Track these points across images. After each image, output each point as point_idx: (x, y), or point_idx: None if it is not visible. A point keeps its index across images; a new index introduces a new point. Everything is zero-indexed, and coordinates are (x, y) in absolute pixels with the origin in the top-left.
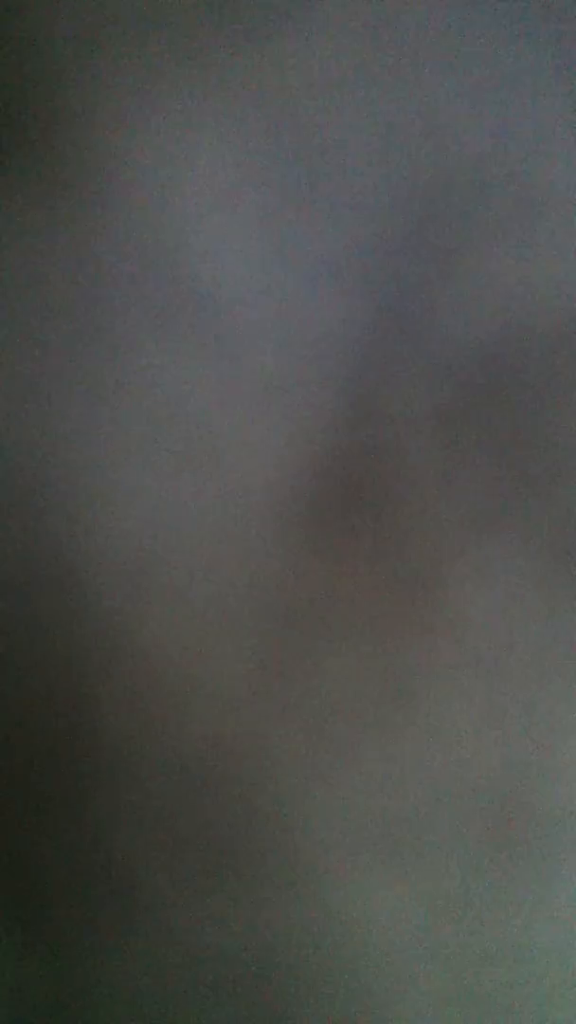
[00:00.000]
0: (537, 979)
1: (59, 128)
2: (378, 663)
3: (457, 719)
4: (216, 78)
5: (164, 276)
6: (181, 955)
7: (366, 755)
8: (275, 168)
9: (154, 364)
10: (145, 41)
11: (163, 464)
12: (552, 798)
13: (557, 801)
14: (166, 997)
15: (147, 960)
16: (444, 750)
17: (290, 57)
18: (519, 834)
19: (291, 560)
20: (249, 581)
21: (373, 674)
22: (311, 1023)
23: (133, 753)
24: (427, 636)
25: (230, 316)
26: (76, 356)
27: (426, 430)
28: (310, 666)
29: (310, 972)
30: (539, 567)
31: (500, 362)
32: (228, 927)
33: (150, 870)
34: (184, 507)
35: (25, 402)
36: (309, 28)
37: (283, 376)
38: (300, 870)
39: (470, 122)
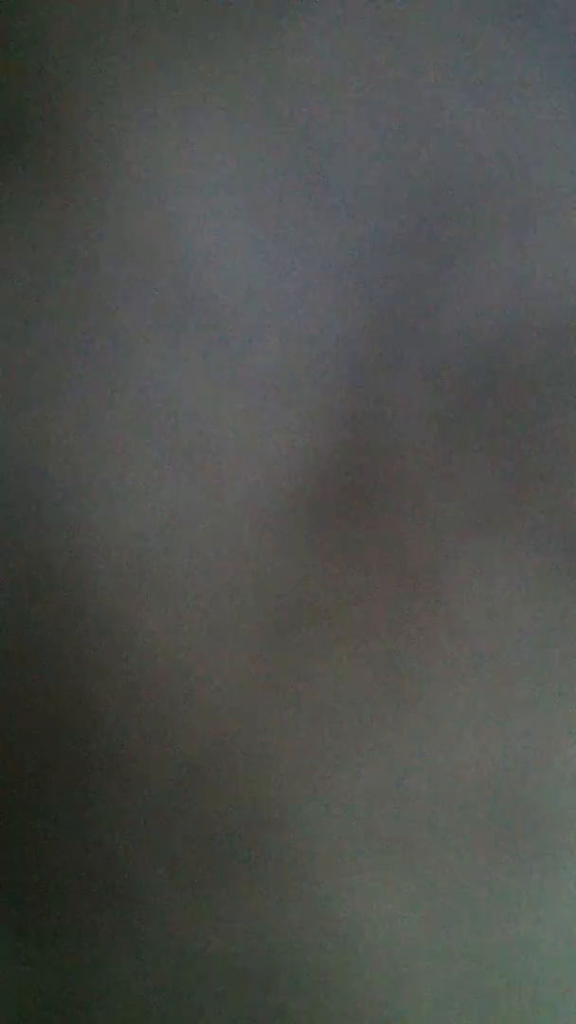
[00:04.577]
0: (537, 979)
1: (59, 128)
2: (378, 663)
3: (457, 719)
4: (216, 77)
5: (164, 276)
6: (181, 955)
7: (366, 755)
8: (275, 168)
9: (154, 364)
10: (145, 41)
11: (163, 464)
12: (552, 798)
13: (557, 801)
14: (166, 997)
15: (147, 960)
16: (444, 750)
17: (290, 56)
18: (519, 834)
19: (291, 560)
20: (249, 581)
21: (373, 674)
22: (311, 1023)
23: (133, 753)
24: (427, 636)
25: (230, 316)
26: (76, 356)
27: (426, 430)
28: (310, 666)
29: (310, 972)
30: (539, 567)
31: (500, 362)
32: (228, 927)
33: (150, 870)
34: (184, 507)
35: (25, 402)
36: (309, 28)
37: (283, 376)
38: (300, 870)
39: (470, 122)
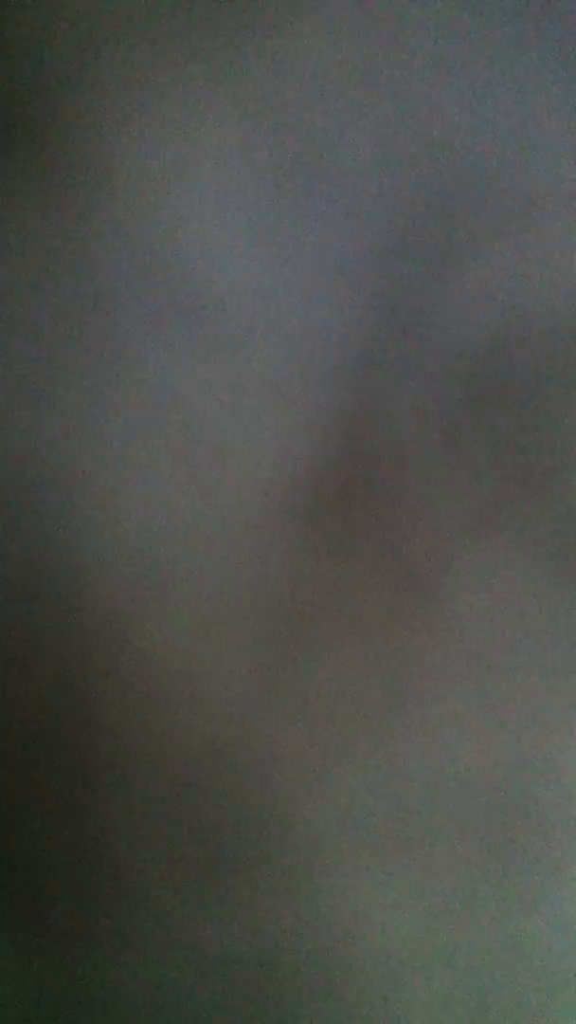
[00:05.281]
0: (537, 979)
1: (59, 128)
2: (378, 663)
3: (457, 719)
4: (216, 78)
5: (164, 276)
6: (181, 955)
7: (366, 755)
8: (275, 168)
9: (154, 364)
10: (145, 41)
11: (163, 464)
12: (552, 798)
13: (557, 801)
14: (166, 997)
15: (147, 960)
16: (444, 750)
17: (290, 57)
18: (519, 834)
19: (291, 560)
20: (249, 581)
21: (373, 674)
22: (311, 1023)
23: (133, 753)
24: (427, 636)
25: (230, 316)
26: (76, 356)
27: (426, 430)
28: (310, 666)
29: (310, 972)
30: (539, 567)
31: (500, 362)
32: (228, 927)
33: (150, 871)
34: (184, 507)
35: (25, 402)
36: (309, 28)
37: (283, 376)
38: (300, 870)
39: (470, 122)
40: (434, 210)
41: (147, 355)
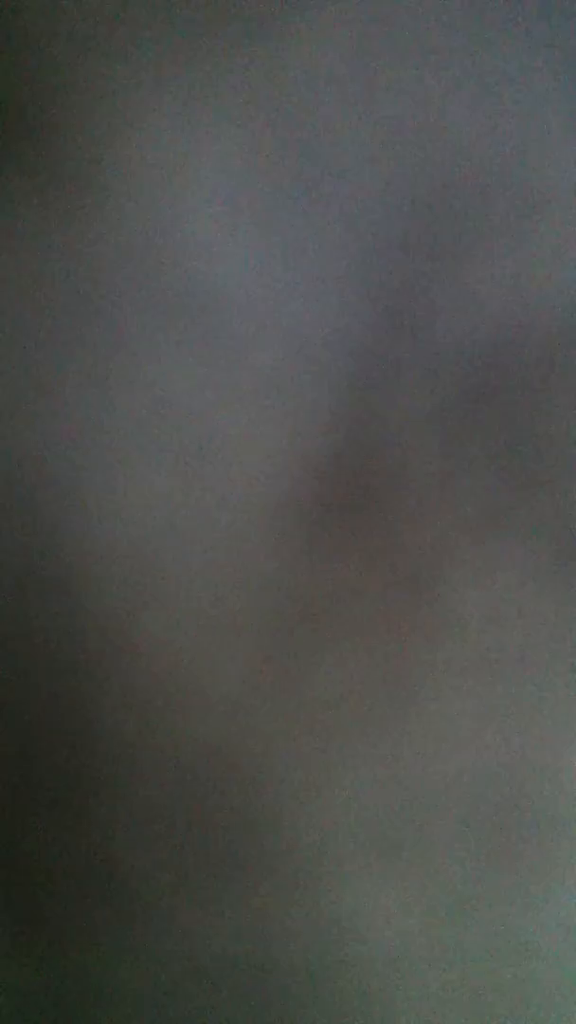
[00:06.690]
0: (537, 979)
1: (59, 128)
2: (378, 663)
3: (457, 719)
4: (216, 78)
5: (164, 276)
6: (181, 955)
7: (366, 755)
8: (275, 168)
9: (154, 364)
10: (145, 41)
11: (163, 464)
12: (552, 798)
13: (557, 801)
14: (166, 997)
15: (147, 960)
16: (444, 750)
17: (290, 57)
18: (519, 834)
19: (291, 560)
20: (248, 581)
21: (373, 674)
22: (311, 1023)
23: (133, 754)
24: (427, 636)
25: (230, 316)
26: (76, 356)
27: (426, 430)
28: (310, 666)
29: (310, 972)
30: (539, 567)
31: (500, 362)
32: (228, 927)
33: (150, 870)
34: (183, 507)
35: (25, 401)
36: (309, 28)
37: (283, 376)
38: (300, 870)
39: (470, 122)
40: (435, 210)
41: (147, 355)
